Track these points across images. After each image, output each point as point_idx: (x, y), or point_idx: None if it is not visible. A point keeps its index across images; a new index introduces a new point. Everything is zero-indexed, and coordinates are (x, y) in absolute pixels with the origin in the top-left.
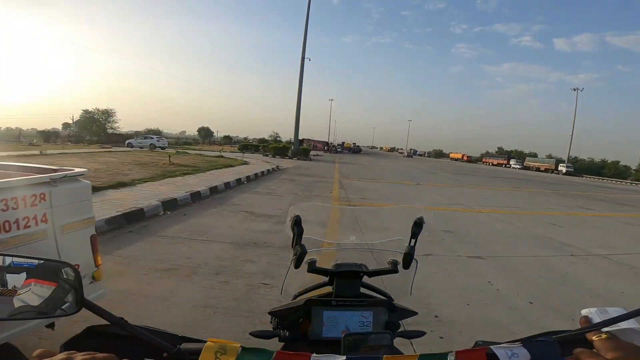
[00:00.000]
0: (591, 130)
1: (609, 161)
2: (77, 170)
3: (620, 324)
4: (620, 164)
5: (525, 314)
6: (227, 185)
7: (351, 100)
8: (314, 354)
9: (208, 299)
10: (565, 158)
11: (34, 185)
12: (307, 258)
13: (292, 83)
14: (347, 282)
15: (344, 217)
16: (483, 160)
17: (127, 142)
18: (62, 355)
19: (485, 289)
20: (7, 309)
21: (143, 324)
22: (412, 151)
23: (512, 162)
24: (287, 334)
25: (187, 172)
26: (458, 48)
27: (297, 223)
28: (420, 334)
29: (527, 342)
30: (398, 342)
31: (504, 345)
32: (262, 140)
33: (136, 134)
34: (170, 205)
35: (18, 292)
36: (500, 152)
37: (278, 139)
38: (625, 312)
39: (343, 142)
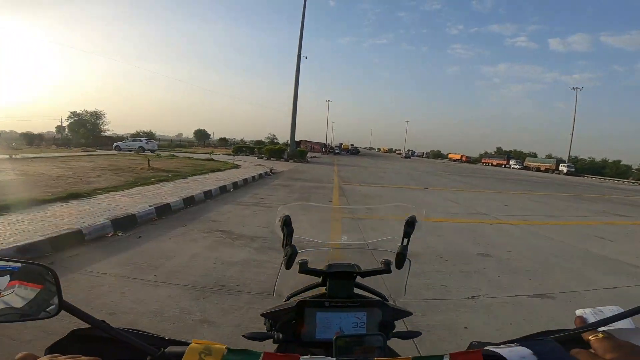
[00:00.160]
0: (587, 130)
1: (609, 161)
2: None
3: (616, 323)
4: (621, 163)
5: None
6: (208, 194)
7: (348, 102)
8: (303, 356)
9: None
10: (564, 158)
11: None
12: (298, 259)
13: (291, 85)
14: (340, 283)
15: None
16: (482, 160)
17: (115, 144)
18: (46, 358)
19: None
20: None
21: (127, 327)
22: (409, 152)
23: (511, 162)
24: (281, 336)
25: (164, 179)
26: (454, 49)
27: (286, 223)
28: (415, 334)
29: (523, 342)
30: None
31: (501, 345)
32: (259, 142)
33: (132, 137)
34: (125, 223)
35: (1, 294)
36: (500, 153)
37: (275, 140)
38: (619, 311)
39: (341, 144)
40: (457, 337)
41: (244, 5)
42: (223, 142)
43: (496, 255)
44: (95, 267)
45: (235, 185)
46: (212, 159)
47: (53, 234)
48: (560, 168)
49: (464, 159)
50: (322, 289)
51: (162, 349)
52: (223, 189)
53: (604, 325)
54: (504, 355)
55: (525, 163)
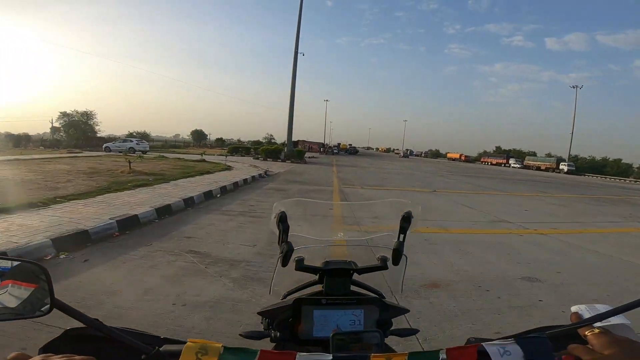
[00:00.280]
0: (584, 128)
1: (610, 159)
2: None
3: (611, 319)
4: (622, 161)
5: None
6: (189, 202)
7: (346, 102)
8: (299, 353)
9: None
10: (563, 156)
11: None
12: (294, 255)
13: (288, 86)
14: (337, 280)
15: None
16: (481, 159)
17: (104, 146)
18: (39, 357)
19: None
20: None
21: (121, 326)
22: (408, 151)
23: (511, 161)
24: (278, 334)
25: (143, 183)
26: (451, 48)
27: (282, 220)
28: (413, 332)
29: (519, 338)
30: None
31: (496, 342)
32: (256, 143)
33: (129, 137)
34: (74, 241)
35: None
36: (499, 152)
37: (273, 141)
38: (612, 308)
39: (339, 144)
40: None
41: (244, 5)
42: (220, 142)
43: (546, 280)
44: None
45: (223, 189)
46: (203, 160)
47: None
48: (561, 167)
49: (463, 158)
50: (319, 287)
51: (157, 348)
52: (208, 195)
53: (600, 320)
54: (498, 353)
55: (525, 162)
